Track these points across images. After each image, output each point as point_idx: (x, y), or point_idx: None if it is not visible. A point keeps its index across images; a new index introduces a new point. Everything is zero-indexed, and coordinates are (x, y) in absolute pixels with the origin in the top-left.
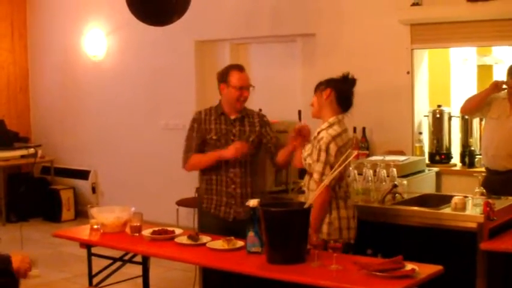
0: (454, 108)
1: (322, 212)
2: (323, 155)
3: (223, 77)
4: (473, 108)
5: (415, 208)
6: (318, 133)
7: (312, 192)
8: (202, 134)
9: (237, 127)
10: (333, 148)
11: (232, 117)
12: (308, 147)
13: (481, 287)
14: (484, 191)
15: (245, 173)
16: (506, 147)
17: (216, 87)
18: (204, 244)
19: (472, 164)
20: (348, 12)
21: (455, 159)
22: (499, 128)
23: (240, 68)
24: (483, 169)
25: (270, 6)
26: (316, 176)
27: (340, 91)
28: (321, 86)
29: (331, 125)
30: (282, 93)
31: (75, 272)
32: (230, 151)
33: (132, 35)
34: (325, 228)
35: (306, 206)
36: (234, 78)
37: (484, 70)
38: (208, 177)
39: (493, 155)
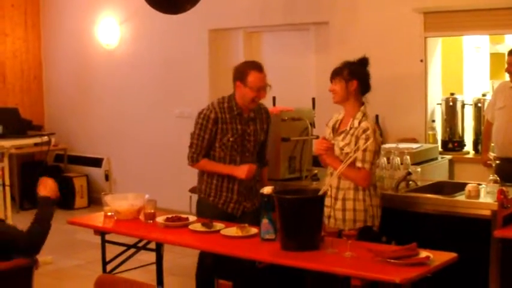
0: (466, 96)
1: (351, 178)
2: (372, 144)
3: (241, 75)
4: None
5: (429, 195)
6: (359, 123)
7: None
8: (216, 136)
9: (251, 127)
10: (378, 136)
11: (246, 115)
12: (341, 137)
13: (494, 274)
14: (498, 178)
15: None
16: None
17: (229, 76)
18: (218, 231)
19: None
20: (361, 1)
21: (468, 147)
22: (506, 116)
23: (259, 68)
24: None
25: None
26: (367, 166)
27: (363, 80)
28: (343, 73)
29: (364, 114)
30: (295, 81)
31: (88, 258)
32: (242, 173)
33: (145, 23)
34: (362, 215)
35: (321, 192)
36: (253, 79)
37: (497, 58)
38: (220, 174)
39: (503, 143)
